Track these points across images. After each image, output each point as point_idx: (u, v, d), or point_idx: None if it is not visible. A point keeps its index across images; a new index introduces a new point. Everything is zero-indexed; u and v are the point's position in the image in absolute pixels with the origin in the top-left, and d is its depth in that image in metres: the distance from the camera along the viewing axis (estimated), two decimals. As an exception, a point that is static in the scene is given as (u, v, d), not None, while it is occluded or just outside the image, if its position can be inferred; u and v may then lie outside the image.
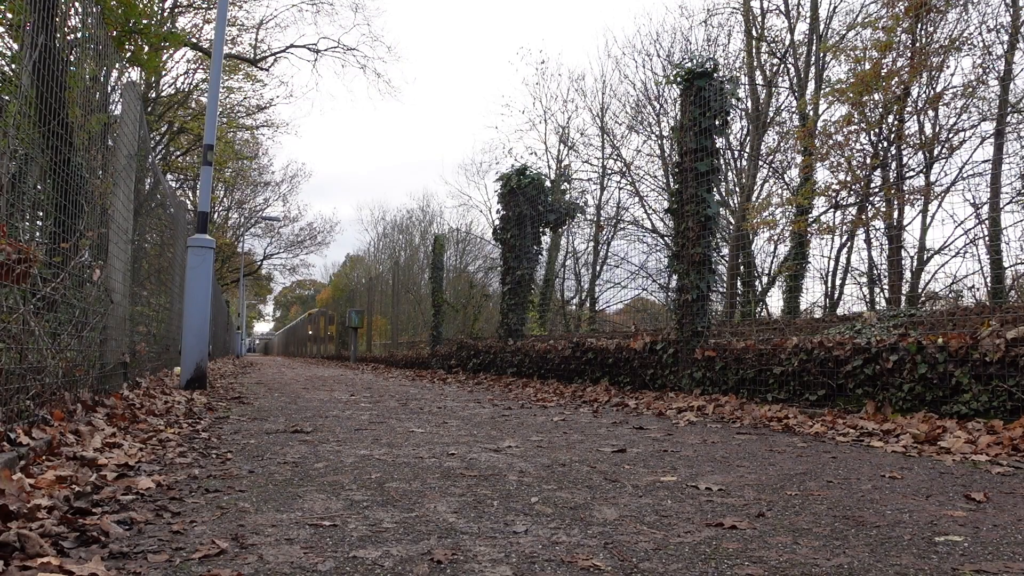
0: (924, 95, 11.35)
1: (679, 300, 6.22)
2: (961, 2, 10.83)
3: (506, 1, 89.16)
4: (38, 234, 4.02)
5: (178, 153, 22.24)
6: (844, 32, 15.43)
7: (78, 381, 3.80)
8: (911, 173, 12.08)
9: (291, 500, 2.11)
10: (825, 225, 12.45)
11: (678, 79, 6.33)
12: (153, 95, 17.97)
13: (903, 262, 11.25)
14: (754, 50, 17.52)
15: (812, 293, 14.12)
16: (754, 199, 15.90)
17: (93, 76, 4.70)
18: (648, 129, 19.18)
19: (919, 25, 11.11)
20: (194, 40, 17.09)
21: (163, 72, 17.85)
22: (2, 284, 2.81)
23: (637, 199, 18.27)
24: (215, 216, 31.69)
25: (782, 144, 16.74)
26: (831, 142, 11.34)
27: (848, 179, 11.52)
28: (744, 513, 2.00)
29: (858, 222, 11.76)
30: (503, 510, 2.01)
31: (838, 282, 13.65)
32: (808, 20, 16.41)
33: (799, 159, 13.04)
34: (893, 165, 11.97)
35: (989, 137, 11.02)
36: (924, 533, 1.78)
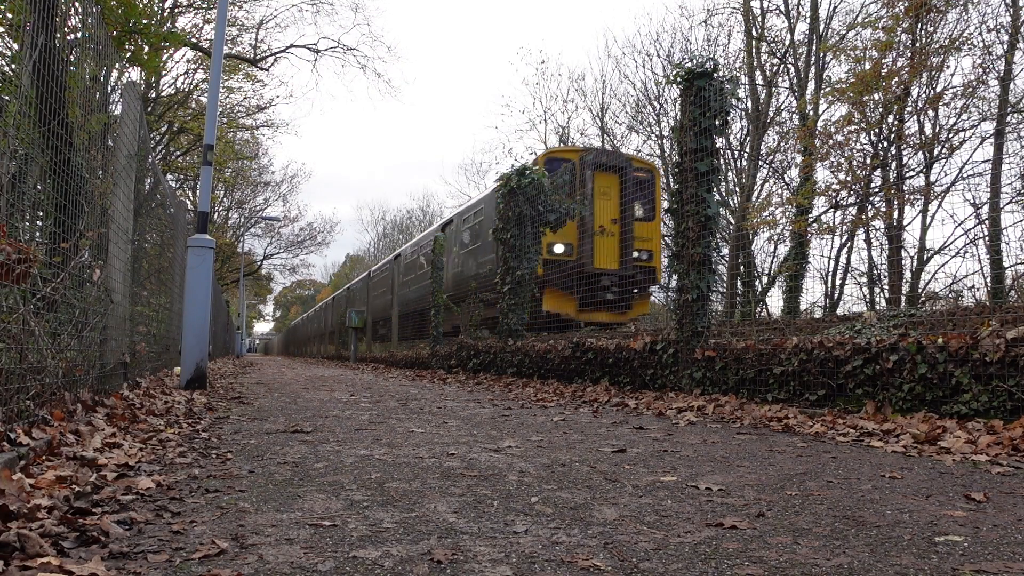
0: (924, 95, 11.36)
1: (679, 300, 6.22)
2: (961, 2, 10.83)
3: (506, 1, 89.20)
4: (38, 234, 4.02)
5: (178, 153, 22.24)
6: (844, 32, 15.44)
7: (78, 381, 3.80)
8: (911, 173, 12.08)
9: (291, 500, 2.10)
10: (825, 225, 12.46)
11: (678, 79, 6.33)
12: (153, 95, 17.97)
13: (903, 262, 11.25)
14: (754, 50, 17.52)
15: (812, 293, 14.14)
16: (754, 199, 15.91)
17: (93, 76, 4.70)
18: (648, 129, 19.19)
19: (919, 25, 11.11)
20: (194, 40, 17.08)
21: (163, 72, 17.85)
22: (2, 284, 2.81)
23: (637, 199, 18.28)
24: (215, 216, 31.70)
25: (782, 144, 16.75)
26: (831, 142, 11.34)
27: (848, 179, 11.53)
28: (744, 513, 1.99)
29: (858, 222, 11.77)
30: (503, 510, 2.01)
31: (838, 282, 13.65)
32: (808, 20, 16.41)
33: (799, 159, 13.04)
34: (893, 165, 11.97)
35: (989, 137, 11.03)
36: (924, 533, 1.78)
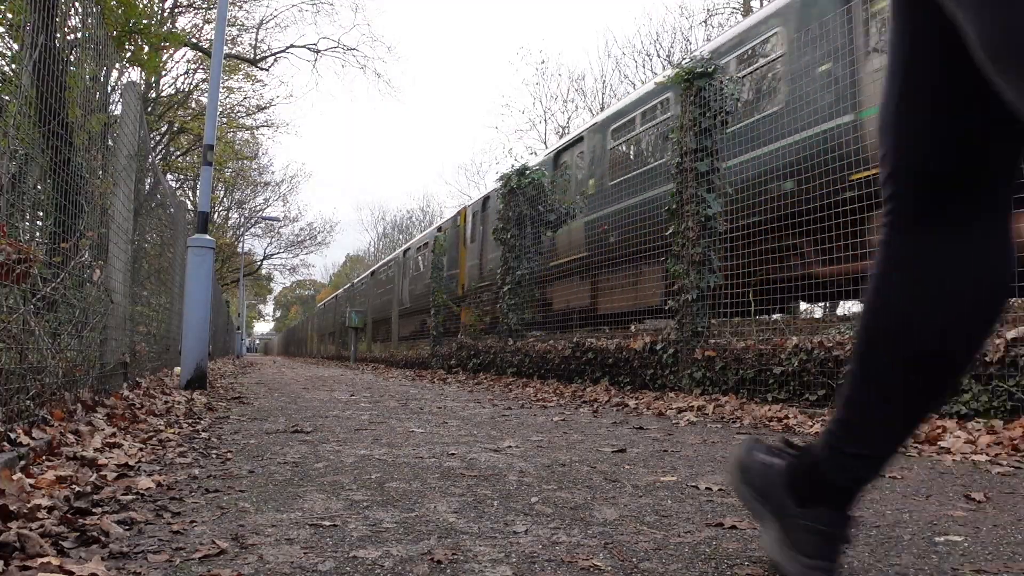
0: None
1: (679, 300, 6.22)
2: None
3: (506, 1, 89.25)
4: (38, 234, 4.02)
5: (178, 153, 22.26)
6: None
7: (78, 381, 3.80)
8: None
9: (291, 500, 2.10)
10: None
11: (678, 79, 6.33)
12: (153, 95, 17.98)
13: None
14: (754, 50, 17.47)
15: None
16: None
17: (93, 76, 4.70)
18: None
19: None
20: (194, 40, 17.10)
21: (163, 72, 17.87)
22: (2, 284, 2.81)
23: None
24: (215, 216, 31.71)
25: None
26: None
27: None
28: (744, 513, 1.99)
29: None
30: (503, 510, 2.01)
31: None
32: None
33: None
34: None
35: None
36: (924, 533, 1.78)
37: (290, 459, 2.87)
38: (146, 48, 9.42)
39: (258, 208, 36.80)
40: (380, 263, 26.71)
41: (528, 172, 10.13)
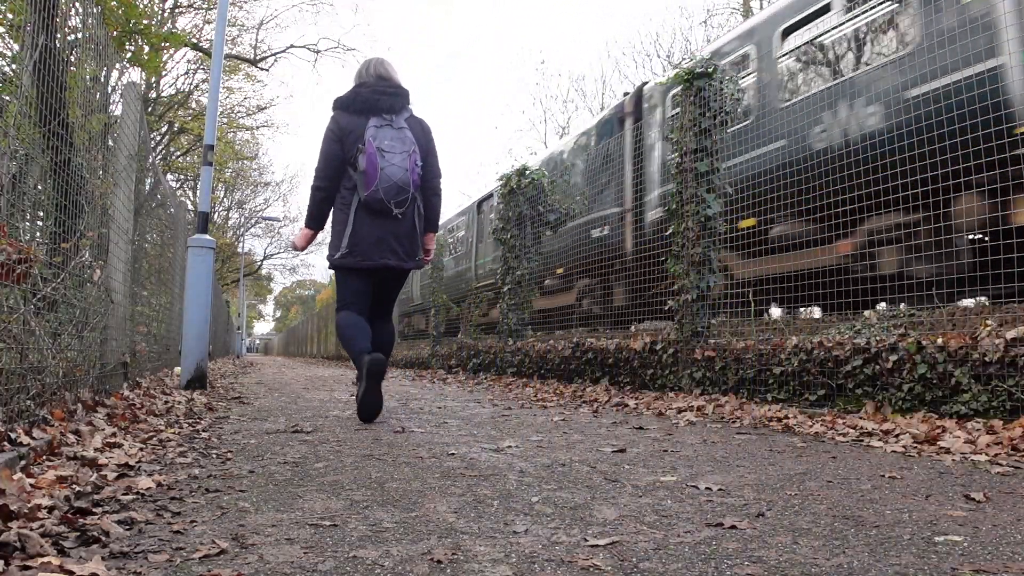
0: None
1: (679, 300, 6.22)
2: None
3: (506, 2, 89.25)
4: (38, 234, 4.02)
5: (178, 153, 22.26)
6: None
7: (78, 381, 3.81)
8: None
9: (291, 500, 2.11)
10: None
11: (678, 79, 6.33)
12: (153, 95, 17.98)
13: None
14: (754, 50, 17.45)
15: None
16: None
17: (93, 76, 4.70)
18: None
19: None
20: (194, 40, 17.10)
21: (163, 72, 17.87)
22: (2, 284, 2.81)
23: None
24: (215, 216, 31.72)
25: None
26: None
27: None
28: (744, 513, 2.00)
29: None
30: (503, 510, 2.01)
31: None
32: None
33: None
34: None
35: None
36: (924, 533, 1.78)
37: (290, 459, 2.87)
38: (146, 48, 9.42)
39: (258, 208, 36.85)
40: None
41: (528, 172, 10.12)
